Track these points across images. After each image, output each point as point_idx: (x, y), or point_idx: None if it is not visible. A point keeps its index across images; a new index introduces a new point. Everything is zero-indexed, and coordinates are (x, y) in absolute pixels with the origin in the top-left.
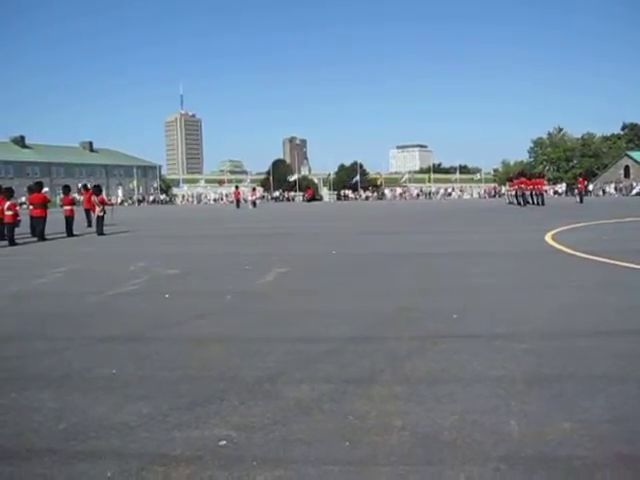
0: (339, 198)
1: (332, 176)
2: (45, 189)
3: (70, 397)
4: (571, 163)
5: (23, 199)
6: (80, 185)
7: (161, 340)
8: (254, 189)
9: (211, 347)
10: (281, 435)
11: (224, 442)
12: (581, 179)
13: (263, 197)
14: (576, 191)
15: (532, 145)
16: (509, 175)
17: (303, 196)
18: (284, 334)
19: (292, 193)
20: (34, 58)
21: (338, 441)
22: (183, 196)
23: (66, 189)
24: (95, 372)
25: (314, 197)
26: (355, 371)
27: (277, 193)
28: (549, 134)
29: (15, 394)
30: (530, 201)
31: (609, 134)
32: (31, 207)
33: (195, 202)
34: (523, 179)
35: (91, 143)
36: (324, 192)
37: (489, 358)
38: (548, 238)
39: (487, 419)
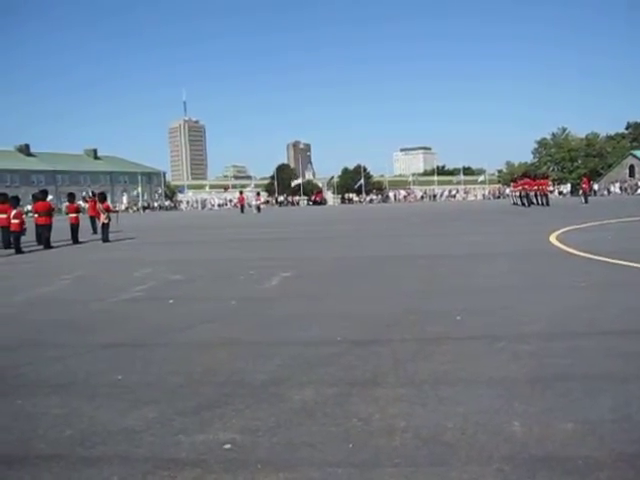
0: (343, 201)
1: (336, 180)
2: (50, 197)
3: (76, 403)
4: (575, 163)
5: (29, 207)
6: (84, 193)
7: (166, 345)
8: (258, 194)
9: (216, 352)
10: (285, 438)
11: (229, 445)
12: (586, 179)
13: (267, 202)
14: (581, 191)
15: (536, 146)
16: (513, 176)
17: (310, 199)
18: (288, 338)
19: (297, 197)
20: (37, 67)
21: (342, 443)
22: (188, 202)
23: (71, 197)
24: (101, 378)
25: (320, 201)
26: (359, 374)
27: (281, 197)
28: (553, 135)
29: (22, 401)
30: (535, 202)
31: (613, 133)
32: (36, 215)
33: (200, 208)
34: (527, 180)
35: (95, 150)
36: (328, 196)
37: (492, 359)
38: (553, 239)
39: (490, 420)
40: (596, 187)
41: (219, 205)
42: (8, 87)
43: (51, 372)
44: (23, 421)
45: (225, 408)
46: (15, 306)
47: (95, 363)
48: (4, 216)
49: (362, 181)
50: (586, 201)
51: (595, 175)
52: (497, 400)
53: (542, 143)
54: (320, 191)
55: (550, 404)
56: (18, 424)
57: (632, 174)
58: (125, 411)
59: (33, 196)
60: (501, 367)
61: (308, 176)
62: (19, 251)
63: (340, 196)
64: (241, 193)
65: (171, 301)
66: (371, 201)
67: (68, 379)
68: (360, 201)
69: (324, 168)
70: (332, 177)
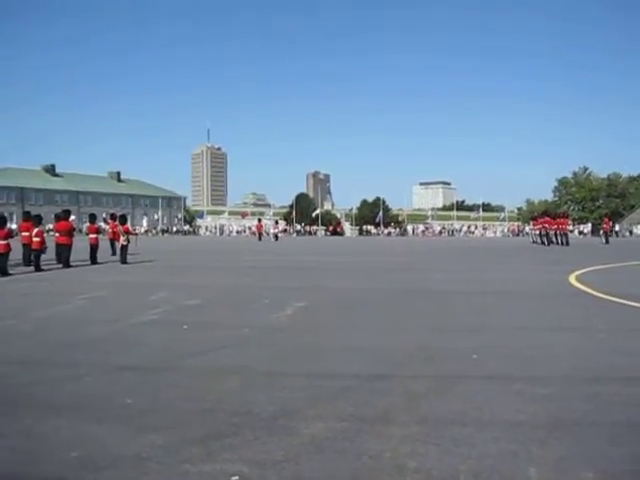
0: (361, 233)
1: (354, 211)
2: (72, 217)
3: (85, 425)
4: (597, 203)
5: (50, 226)
6: (105, 215)
7: (177, 371)
8: (277, 222)
9: (227, 380)
10: (293, 473)
11: (236, 478)
12: (607, 219)
13: (286, 230)
14: (602, 231)
15: (557, 184)
16: (533, 214)
17: (328, 230)
18: (300, 369)
19: (314, 227)
20: (65, 88)
21: None
22: (206, 227)
23: (92, 218)
24: (111, 401)
25: (336, 231)
26: (371, 410)
27: (299, 227)
28: (574, 174)
29: (31, 420)
30: (554, 241)
31: (636, 174)
32: (57, 234)
33: (218, 234)
34: (547, 218)
35: (119, 173)
36: (346, 227)
37: (509, 401)
38: (572, 279)
39: (505, 465)
40: (617, 228)
41: (237, 232)
42: (38, 109)
43: (62, 392)
44: (31, 441)
45: (234, 438)
46: (30, 324)
47: (106, 385)
48: (26, 234)
49: (381, 214)
50: (607, 242)
51: (617, 216)
52: (513, 444)
53: (563, 182)
54: (340, 222)
55: (568, 451)
56: (25, 444)
57: None
58: (133, 436)
59: (55, 216)
60: (518, 410)
61: (327, 206)
62: (38, 269)
63: (358, 227)
64: (259, 221)
65: (185, 326)
66: (389, 234)
67: (78, 400)
68: (378, 233)
69: (343, 199)
70: (351, 209)
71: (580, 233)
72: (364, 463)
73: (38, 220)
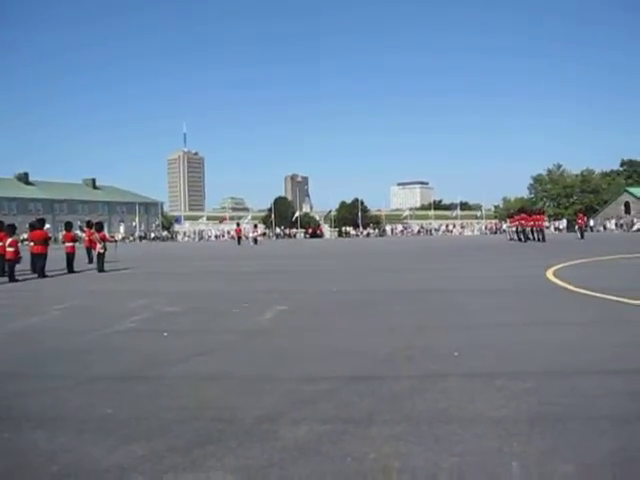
0: (340, 235)
1: (333, 213)
2: (47, 226)
3: (64, 437)
4: (571, 199)
5: (24, 236)
6: (80, 222)
7: (158, 379)
8: (255, 226)
9: (209, 386)
10: (279, 478)
11: None
12: (581, 215)
13: (265, 234)
14: (577, 227)
15: (532, 182)
16: (510, 211)
17: (307, 232)
18: (282, 373)
19: (293, 230)
20: (37, 95)
21: None
22: (184, 233)
23: (68, 226)
24: (90, 411)
25: (315, 233)
26: (354, 411)
27: (278, 230)
28: (548, 171)
29: (8, 434)
30: (531, 237)
31: (608, 170)
32: (32, 244)
33: (196, 239)
34: (523, 215)
35: (94, 180)
36: (325, 229)
37: (490, 397)
38: (549, 274)
39: (488, 460)
40: (592, 223)
41: (216, 236)
42: (9, 116)
43: (40, 404)
44: (8, 455)
45: (217, 445)
46: (5, 335)
47: (85, 396)
48: None
49: (359, 215)
50: (582, 237)
51: (591, 211)
52: (495, 440)
53: (537, 179)
54: (319, 225)
55: (550, 445)
56: (3, 458)
57: (627, 211)
58: (114, 447)
59: (30, 225)
60: (499, 406)
61: (305, 209)
62: (13, 280)
63: (337, 229)
64: (238, 225)
65: (165, 334)
66: (368, 235)
67: (57, 412)
68: (357, 235)
69: (321, 201)
70: (330, 211)
71: (556, 229)
72: (348, 465)
73: (12, 230)
